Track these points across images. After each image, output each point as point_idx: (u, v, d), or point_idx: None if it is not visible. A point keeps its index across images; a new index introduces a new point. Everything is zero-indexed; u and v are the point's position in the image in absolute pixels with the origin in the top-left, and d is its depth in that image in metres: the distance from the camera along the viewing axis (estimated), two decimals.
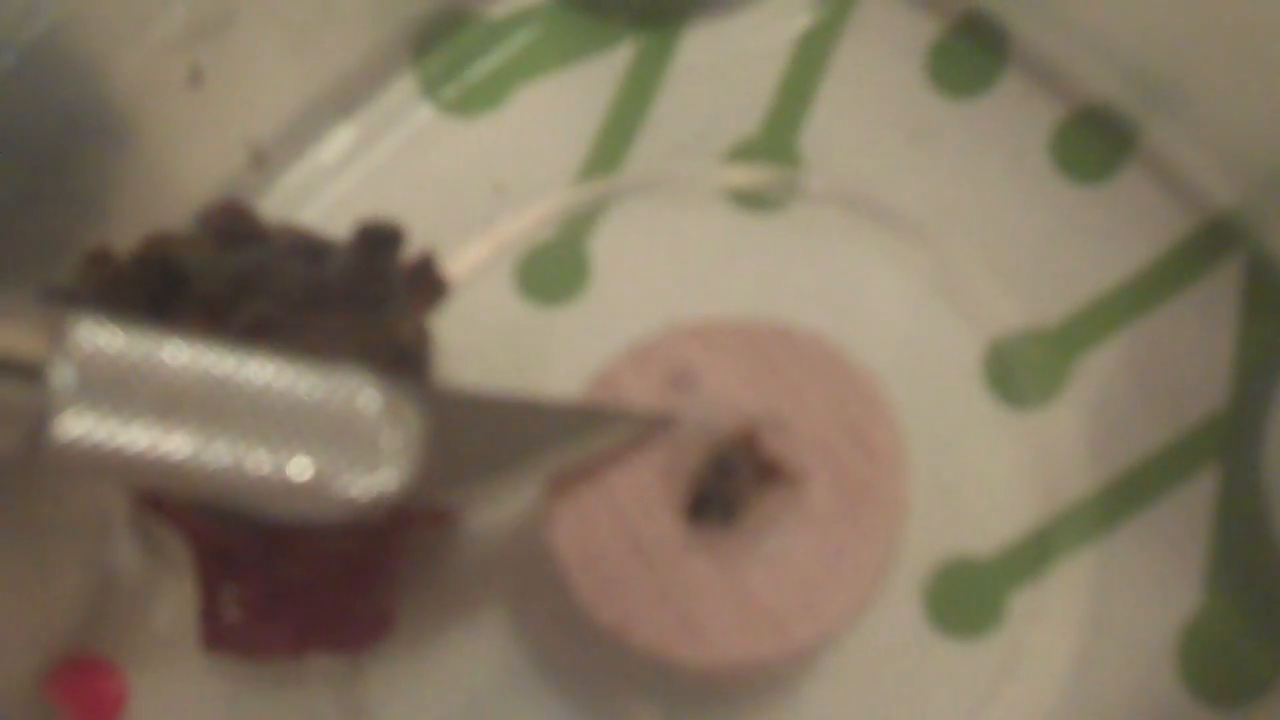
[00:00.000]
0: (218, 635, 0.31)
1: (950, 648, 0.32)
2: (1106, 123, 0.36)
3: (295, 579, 0.31)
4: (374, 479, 0.25)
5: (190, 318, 0.30)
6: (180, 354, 0.23)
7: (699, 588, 0.29)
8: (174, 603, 0.34)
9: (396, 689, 0.33)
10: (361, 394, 0.25)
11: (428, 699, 0.33)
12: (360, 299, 0.31)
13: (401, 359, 0.30)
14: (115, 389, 0.22)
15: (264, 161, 0.37)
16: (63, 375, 0.22)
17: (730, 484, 0.29)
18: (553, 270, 0.36)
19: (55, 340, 0.22)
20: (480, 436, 0.28)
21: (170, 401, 0.23)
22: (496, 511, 0.33)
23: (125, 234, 0.31)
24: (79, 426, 0.22)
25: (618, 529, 0.29)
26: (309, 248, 0.31)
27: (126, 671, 0.33)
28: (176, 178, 0.35)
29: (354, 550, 0.31)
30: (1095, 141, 0.36)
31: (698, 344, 0.31)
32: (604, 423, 0.30)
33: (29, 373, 0.21)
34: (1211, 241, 0.35)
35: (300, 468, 0.24)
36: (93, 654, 0.33)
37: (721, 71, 0.38)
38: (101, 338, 0.22)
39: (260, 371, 0.24)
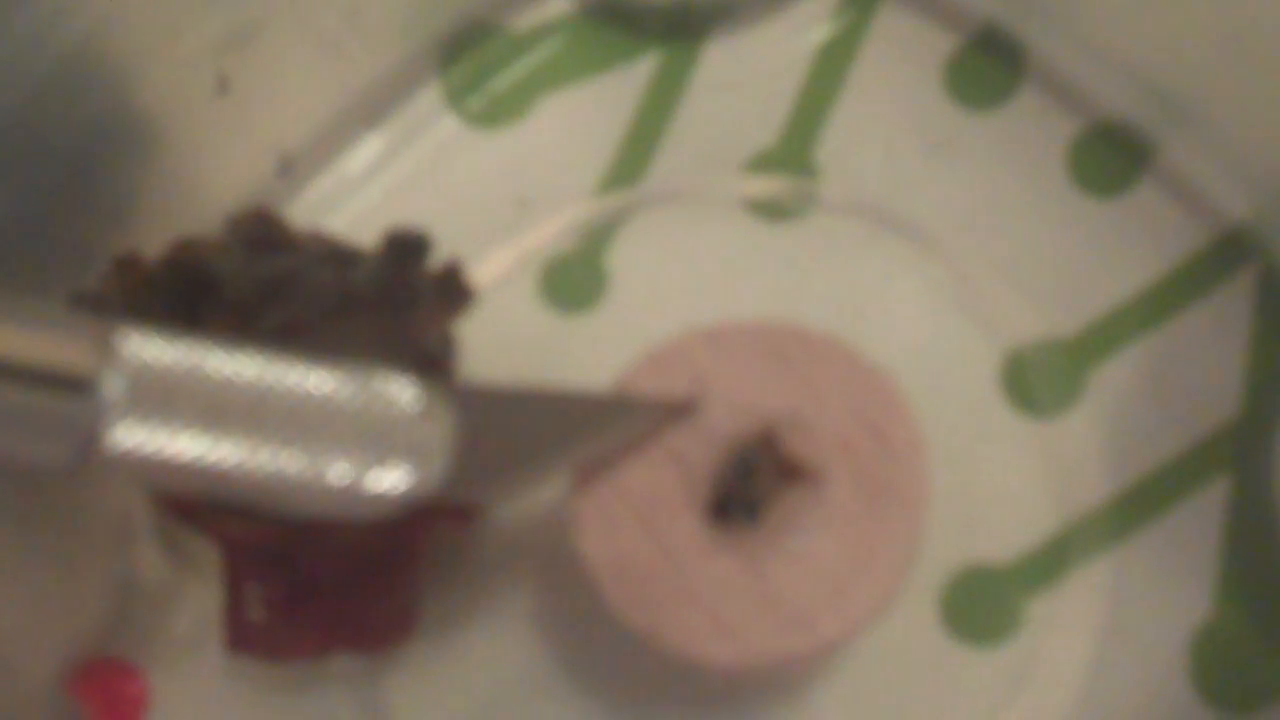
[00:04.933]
0: (242, 636, 0.31)
1: (966, 655, 0.33)
2: (1122, 137, 0.36)
3: (318, 578, 0.31)
4: (410, 477, 0.25)
5: (219, 323, 0.30)
6: (225, 365, 0.23)
7: (726, 587, 0.29)
8: (197, 606, 0.34)
9: (418, 692, 0.33)
10: (398, 395, 0.25)
11: (449, 702, 0.33)
12: (387, 306, 0.31)
13: (427, 365, 0.31)
14: (164, 401, 0.22)
15: (291, 170, 0.37)
16: (114, 388, 0.22)
17: (752, 484, 0.30)
18: (574, 279, 0.36)
19: (105, 353, 0.22)
20: (507, 431, 0.28)
21: (217, 412, 0.23)
22: (522, 507, 0.34)
23: (152, 241, 0.32)
24: (130, 439, 0.22)
25: (644, 533, 0.29)
26: (337, 255, 0.31)
27: (149, 674, 0.33)
28: (204, 185, 0.35)
29: (376, 549, 0.31)
30: (1111, 155, 0.36)
31: (715, 346, 0.31)
32: (627, 411, 0.30)
33: (80, 385, 0.21)
34: (1225, 254, 0.35)
35: (340, 473, 0.24)
36: (115, 656, 0.33)
37: (741, 84, 0.38)
38: (150, 350, 0.22)
39: (301, 380, 0.24)
